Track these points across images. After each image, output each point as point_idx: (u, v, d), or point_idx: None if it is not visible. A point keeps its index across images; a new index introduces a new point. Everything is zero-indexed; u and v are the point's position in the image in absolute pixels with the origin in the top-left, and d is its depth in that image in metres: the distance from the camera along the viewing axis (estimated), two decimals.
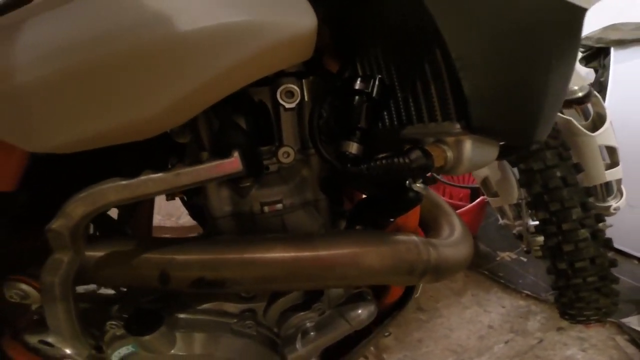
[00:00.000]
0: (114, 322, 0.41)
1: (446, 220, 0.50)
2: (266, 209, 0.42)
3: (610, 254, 0.80)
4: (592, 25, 1.38)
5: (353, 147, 0.36)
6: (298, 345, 0.43)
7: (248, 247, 0.36)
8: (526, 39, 0.31)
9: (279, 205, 0.42)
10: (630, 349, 0.98)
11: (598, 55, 1.44)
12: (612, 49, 1.31)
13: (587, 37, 1.39)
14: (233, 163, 0.32)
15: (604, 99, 1.31)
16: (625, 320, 1.06)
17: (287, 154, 0.41)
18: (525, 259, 1.33)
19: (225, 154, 0.33)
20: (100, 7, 0.29)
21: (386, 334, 1.03)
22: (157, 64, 0.28)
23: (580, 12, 0.33)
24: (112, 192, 0.31)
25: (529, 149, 0.38)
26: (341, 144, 0.37)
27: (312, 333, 0.43)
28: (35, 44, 0.29)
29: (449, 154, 0.33)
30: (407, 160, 0.33)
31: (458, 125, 0.31)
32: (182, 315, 0.41)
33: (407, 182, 0.39)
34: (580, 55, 1.47)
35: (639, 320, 1.06)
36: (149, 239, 0.39)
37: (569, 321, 0.96)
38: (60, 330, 0.37)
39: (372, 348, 1.02)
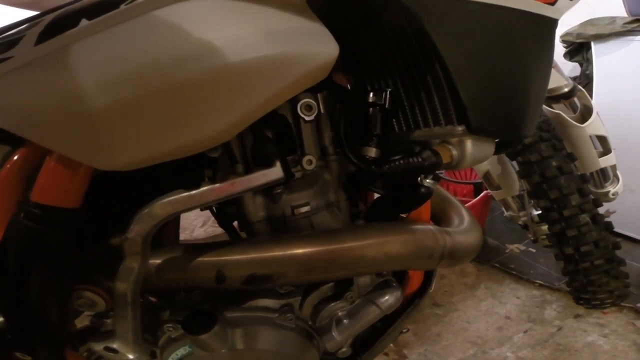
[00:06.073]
0: (170, 325, 0.45)
1: (455, 211, 0.55)
2: (296, 211, 0.47)
3: (618, 240, 0.84)
4: (569, 23, 1.46)
5: (372, 152, 0.42)
6: (334, 333, 0.47)
7: (290, 244, 0.41)
8: (509, 51, 0.37)
9: (307, 208, 0.48)
10: None
11: (581, 50, 1.51)
12: (592, 43, 1.37)
13: (567, 33, 1.46)
14: (277, 171, 0.38)
15: (591, 91, 1.37)
16: None
17: (310, 162, 0.45)
18: (534, 250, 1.35)
19: (265, 163, 0.39)
20: (159, 34, 0.32)
21: (404, 330, 1.05)
22: (219, 91, 0.32)
23: (552, 22, 0.39)
24: (179, 203, 0.36)
25: (521, 142, 0.43)
26: (361, 149, 0.43)
27: (345, 321, 0.47)
28: (98, 68, 0.31)
29: (454, 152, 0.40)
30: (420, 159, 0.40)
31: (459, 128, 0.37)
32: (230, 314, 0.46)
33: (419, 178, 0.45)
34: (564, 50, 1.54)
35: None
36: (200, 245, 0.43)
37: (584, 306, 0.98)
38: (126, 335, 0.41)
39: (391, 344, 1.03)
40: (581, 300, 0.95)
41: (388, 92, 0.42)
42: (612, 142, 0.92)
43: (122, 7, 0.34)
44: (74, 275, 0.42)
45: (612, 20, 1.33)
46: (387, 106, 0.42)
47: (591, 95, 1.35)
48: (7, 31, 0.42)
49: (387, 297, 0.48)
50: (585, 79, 1.49)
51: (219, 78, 0.32)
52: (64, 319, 0.43)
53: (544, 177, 0.81)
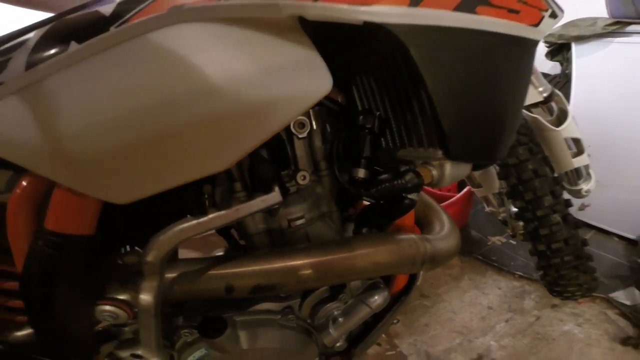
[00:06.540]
0: (186, 331, 0.50)
1: (436, 217, 0.61)
2: (292, 224, 0.51)
3: (591, 233, 0.91)
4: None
5: (361, 173, 0.46)
6: (331, 330, 0.53)
7: (289, 256, 0.46)
8: (492, 80, 0.39)
9: (302, 220, 0.52)
10: (622, 322, 1.05)
11: (562, 50, 1.56)
12: (573, 44, 1.41)
13: (549, 34, 1.50)
14: (275, 196, 0.42)
15: (569, 90, 1.43)
16: (613, 295, 1.12)
17: (303, 177, 0.48)
18: (514, 242, 1.41)
19: (264, 187, 0.42)
20: (152, 66, 0.31)
21: (395, 321, 1.11)
22: (218, 132, 0.33)
23: (534, 43, 0.41)
24: (189, 230, 0.40)
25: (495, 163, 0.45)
26: (350, 171, 0.47)
27: (340, 319, 0.53)
28: (91, 106, 0.31)
29: (434, 172, 0.44)
30: (404, 181, 0.44)
31: (439, 152, 0.40)
32: (238, 318, 0.51)
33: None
34: (545, 50, 1.59)
35: (625, 294, 1.13)
36: (209, 259, 0.48)
37: (558, 297, 1.05)
38: (150, 342, 0.44)
39: (383, 335, 1.08)
40: (554, 292, 1.02)
41: (377, 117, 0.45)
42: (589, 140, 0.96)
43: (112, 29, 0.34)
44: (96, 291, 0.45)
45: (594, 21, 1.35)
46: (375, 130, 0.45)
47: (569, 94, 1.41)
48: None
49: (376, 297, 0.54)
50: (565, 78, 1.55)
51: (217, 119, 0.33)
52: (90, 329, 0.47)
53: (520, 179, 0.86)
